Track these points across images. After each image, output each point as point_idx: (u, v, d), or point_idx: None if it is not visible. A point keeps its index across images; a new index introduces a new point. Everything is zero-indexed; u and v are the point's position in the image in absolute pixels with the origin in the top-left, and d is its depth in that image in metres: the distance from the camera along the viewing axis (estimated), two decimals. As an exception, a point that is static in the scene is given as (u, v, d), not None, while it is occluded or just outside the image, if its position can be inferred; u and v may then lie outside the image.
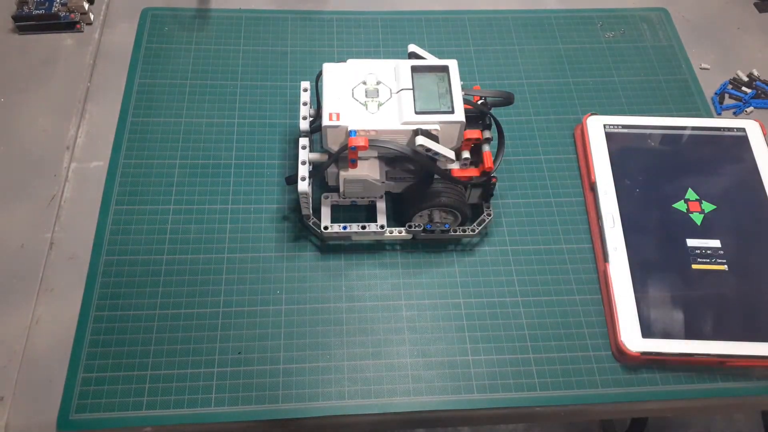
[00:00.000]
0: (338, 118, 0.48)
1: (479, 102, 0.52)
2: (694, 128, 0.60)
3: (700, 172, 0.57)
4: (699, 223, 0.55)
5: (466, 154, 0.51)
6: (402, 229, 0.53)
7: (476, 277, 0.53)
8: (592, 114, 0.61)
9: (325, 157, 0.51)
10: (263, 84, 0.63)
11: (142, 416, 0.46)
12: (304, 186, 0.49)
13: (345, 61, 0.52)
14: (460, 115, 0.48)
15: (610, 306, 0.51)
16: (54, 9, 0.65)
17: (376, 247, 0.54)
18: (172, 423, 0.46)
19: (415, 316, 0.51)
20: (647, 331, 0.49)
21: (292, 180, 0.50)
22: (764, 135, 0.59)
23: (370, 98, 0.50)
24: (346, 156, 0.50)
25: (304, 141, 0.51)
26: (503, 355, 0.50)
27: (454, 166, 0.52)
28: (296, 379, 0.48)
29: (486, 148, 0.51)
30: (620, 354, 0.49)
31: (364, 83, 0.51)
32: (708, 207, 0.55)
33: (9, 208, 0.55)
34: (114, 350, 0.48)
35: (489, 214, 0.54)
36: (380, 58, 0.65)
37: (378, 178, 0.51)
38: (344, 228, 0.52)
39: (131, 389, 0.47)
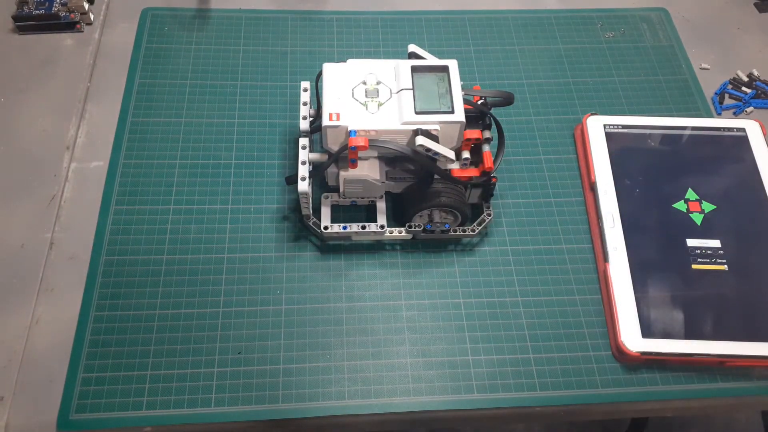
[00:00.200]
0: (338, 118, 0.48)
1: (479, 102, 0.52)
2: (694, 128, 0.60)
3: (700, 172, 0.57)
4: (699, 223, 0.55)
5: (466, 154, 0.51)
6: (402, 229, 0.53)
7: (476, 277, 0.53)
8: (592, 114, 0.61)
9: (325, 157, 0.51)
10: (263, 84, 0.63)
11: (142, 416, 0.46)
12: (304, 186, 0.49)
13: (345, 61, 0.52)
14: (460, 115, 0.48)
15: (610, 306, 0.51)
16: (54, 9, 0.65)
17: (376, 247, 0.54)
18: (172, 423, 0.46)
19: (415, 316, 0.51)
20: (647, 331, 0.49)
21: (292, 180, 0.50)
22: (764, 135, 0.59)
23: (370, 98, 0.50)
24: (346, 156, 0.50)
25: (304, 141, 0.51)
26: (503, 355, 0.50)
27: (454, 166, 0.52)
28: (296, 379, 0.48)
29: (486, 148, 0.51)
30: (620, 354, 0.49)
31: (364, 83, 0.51)
32: (708, 207, 0.55)
33: (9, 208, 0.55)
34: (114, 350, 0.48)
35: (489, 214, 0.54)
36: (380, 58, 0.65)
37: (378, 178, 0.51)
38: (344, 228, 0.52)
39: (131, 389, 0.47)
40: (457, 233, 0.54)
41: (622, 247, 0.53)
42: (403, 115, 0.48)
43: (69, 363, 0.48)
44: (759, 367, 0.50)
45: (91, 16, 0.66)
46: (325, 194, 0.54)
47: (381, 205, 0.53)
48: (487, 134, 0.51)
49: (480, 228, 0.54)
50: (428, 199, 0.51)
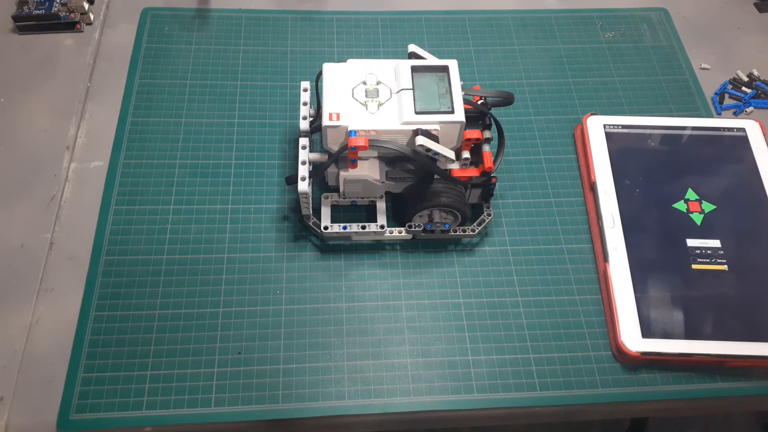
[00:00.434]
0: (338, 118, 0.48)
1: (479, 102, 0.52)
2: (694, 128, 0.60)
3: (700, 172, 0.57)
4: (699, 223, 0.55)
5: (466, 154, 0.51)
6: (402, 229, 0.53)
7: (476, 277, 0.53)
8: (592, 114, 0.61)
9: (325, 157, 0.51)
10: (263, 84, 0.63)
11: (142, 416, 0.46)
12: (304, 186, 0.49)
13: (345, 61, 0.52)
14: (460, 115, 0.48)
15: (610, 306, 0.51)
16: (54, 9, 0.65)
17: (376, 247, 0.54)
18: (172, 423, 0.46)
19: (415, 316, 0.51)
20: (647, 331, 0.49)
21: (292, 180, 0.50)
22: (764, 135, 0.59)
23: (370, 98, 0.50)
24: (346, 156, 0.50)
25: (304, 141, 0.51)
26: (503, 355, 0.50)
27: (454, 166, 0.52)
28: (296, 379, 0.48)
29: (486, 148, 0.51)
30: (620, 354, 0.49)
31: (364, 83, 0.51)
32: (708, 207, 0.55)
33: (9, 208, 0.55)
34: (114, 350, 0.48)
35: (489, 214, 0.54)
36: (380, 58, 0.65)
37: (378, 178, 0.51)
38: (344, 228, 0.52)
39: (131, 389, 0.47)
40: (457, 233, 0.54)
41: (622, 247, 0.53)
42: (403, 115, 0.48)
43: (69, 363, 0.48)
44: (759, 367, 0.50)
45: (91, 16, 0.66)
46: (325, 194, 0.54)
47: (381, 205, 0.53)
48: (487, 134, 0.51)
49: (480, 228, 0.54)
50: (428, 199, 0.51)
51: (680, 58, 0.67)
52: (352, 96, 0.50)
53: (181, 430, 0.46)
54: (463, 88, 0.50)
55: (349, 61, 0.52)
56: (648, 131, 0.60)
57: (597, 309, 0.52)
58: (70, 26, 0.65)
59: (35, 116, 0.60)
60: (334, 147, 0.49)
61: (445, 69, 0.51)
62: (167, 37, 0.66)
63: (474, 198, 0.54)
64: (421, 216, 0.53)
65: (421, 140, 0.47)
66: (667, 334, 0.49)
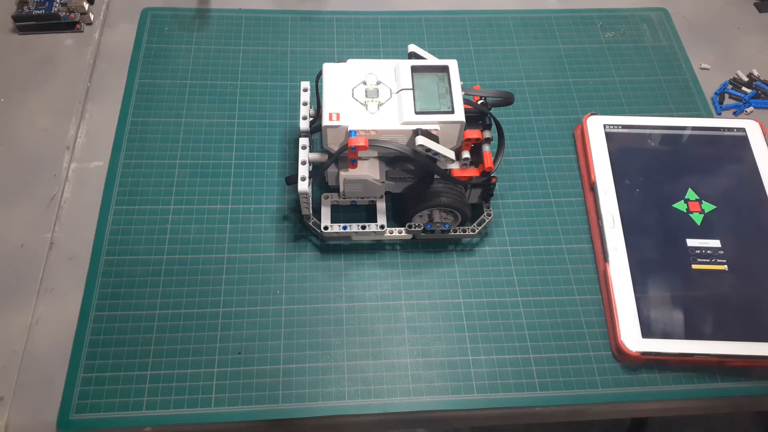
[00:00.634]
0: (338, 118, 0.48)
1: (479, 102, 0.52)
2: (694, 128, 0.60)
3: (700, 172, 0.57)
4: (699, 223, 0.55)
5: (466, 154, 0.51)
6: (402, 229, 0.53)
7: (476, 277, 0.53)
8: (592, 114, 0.61)
9: (325, 157, 0.51)
10: (263, 84, 0.63)
11: (142, 416, 0.46)
12: (304, 186, 0.49)
13: (345, 61, 0.52)
14: (460, 115, 0.48)
15: (610, 306, 0.51)
16: (54, 9, 0.65)
17: (376, 247, 0.54)
18: (172, 423, 0.46)
19: (415, 316, 0.51)
20: (647, 331, 0.49)
21: (292, 180, 0.50)
22: (764, 135, 0.59)
23: (370, 98, 0.50)
24: (346, 156, 0.50)
25: (304, 141, 0.51)
26: (503, 355, 0.50)
27: (454, 166, 0.52)
28: (296, 379, 0.48)
29: (486, 148, 0.51)
30: (620, 354, 0.49)
31: (364, 83, 0.51)
32: (708, 207, 0.55)
33: (9, 208, 0.55)
34: (114, 350, 0.48)
35: (489, 214, 0.54)
36: (380, 58, 0.65)
37: (378, 178, 0.51)
38: (344, 228, 0.52)
39: (131, 389, 0.47)
40: (457, 233, 0.54)
41: (622, 247, 0.53)
42: (403, 115, 0.48)
43: (69, 363, 0.48)
44: (759, 367, 0.50)
45: (91, 16, 0.66)
46: (325, 194, 0.54)
47: (381, 205, 0.53)
48: (487, 134, 0.51)
49: (480, 228, 0.54)
50: (428, 199, 0.51)
51: (680, 58, 0.67)
52: (352, 96, 0.50)
53: (181, 430, 0.46)
54: (463, 88, 0.50)
55: (349, 61, 0.52)
56: (648, 131, 0.60)
57: (597, 309, 0.52)
58: (70, 26, 0.65)
59: (35, 116, 0.60)
60: (334, 147, 0.49)
61: (445, 69, 0.51)
62: (167, 37, 0.66)
63: (474, 198, 0.54)
64: (421, 216, 0.53)
65: (421, 140, 0.47)
66: (667, 334, 0.49)
